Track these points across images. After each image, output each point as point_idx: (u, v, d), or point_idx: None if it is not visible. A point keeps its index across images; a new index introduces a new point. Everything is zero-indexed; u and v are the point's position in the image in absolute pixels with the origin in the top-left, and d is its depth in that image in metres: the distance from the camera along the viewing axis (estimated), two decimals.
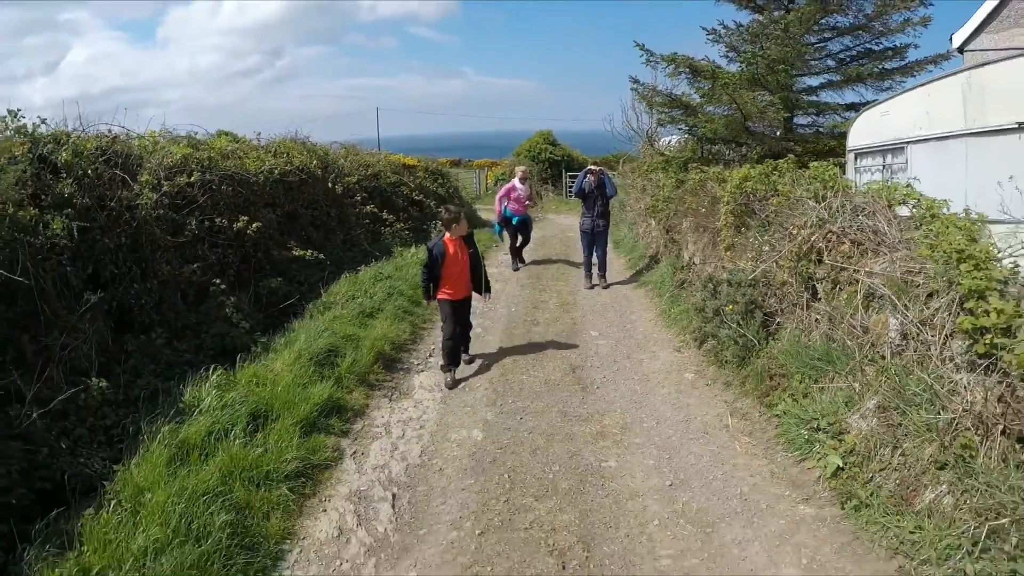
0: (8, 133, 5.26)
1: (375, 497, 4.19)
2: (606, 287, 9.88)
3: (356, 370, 5.87)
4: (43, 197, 5.01)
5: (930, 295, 4.08)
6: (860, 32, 11.23)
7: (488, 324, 7.97)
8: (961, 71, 6.58)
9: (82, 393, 4.40)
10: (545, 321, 8.13)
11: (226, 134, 10.19)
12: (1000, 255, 4.11)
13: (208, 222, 7.17)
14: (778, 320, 5.65)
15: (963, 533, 3.13)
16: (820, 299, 5.21)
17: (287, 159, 9.69)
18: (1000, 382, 3.40)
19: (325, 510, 4.02)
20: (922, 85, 7.24)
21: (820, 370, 4.71)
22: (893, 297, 4.30)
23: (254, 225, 7.55)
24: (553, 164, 28.73)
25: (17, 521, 3.34)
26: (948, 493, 3.36)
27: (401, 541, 3.74)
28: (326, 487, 4.28)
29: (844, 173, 8.07)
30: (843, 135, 9.20)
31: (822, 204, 5.50)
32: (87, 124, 6.20)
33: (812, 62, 11.70)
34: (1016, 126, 5.75)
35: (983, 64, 6.46)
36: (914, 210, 5.03)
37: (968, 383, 3.55)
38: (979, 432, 3.39)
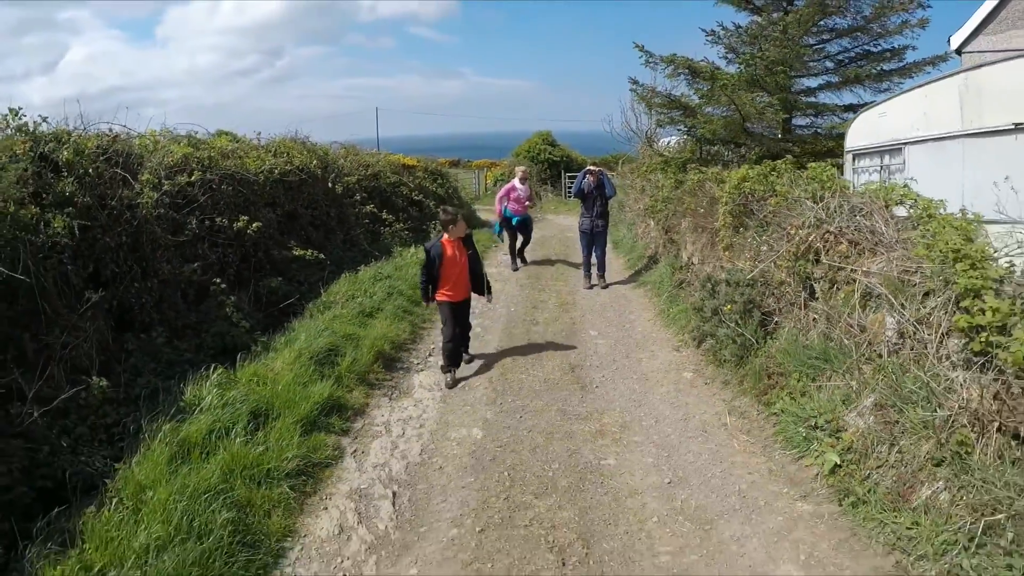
0: (9, 132, 5.27)
1: (376, 495, 4.21)
2: (605, 287, 9.91)
3: (356, 369, 5.89)
4: (44, 195, 5.02)
5: (926, 294, 4.11)
6: (858, 34, 11.28)
7: (487, 324, 7.99)
8: (958, 73, 6.62)
9: (83, 392, 4.41)
10: (544, 321, 8.15)
11: (225, 134, 10.21)
12: (996, 254, 4.14)
13: (208, 221, 7.19)
14: (776, 319, 5.68)
15: (959, 529, 3.16)
16: (818, 298, 5.24)
17: (287, 159, 9.70)
18: (996, 380, 3.43)
19: (326, 508, 4.04)
20: (919, 86, 7.27)
21: (818, 369, 4.74)
22: (890, 296, 4.33)
23: (254, 225, 7.57)
24: (552, 165, 28.76)
25: (18, 519, 3.35)
26: (945, 489, 3.39)
27: (402, 539, 3.76)
28: (327, 485, 4.30)
29: (842, 174, 8.11)
30: (841, 136, 9.23)
31: (820, 204, 5.52)
32: (88, 123, 6.22)
33: (811, 63, 11.75)
34: (1012, 127, 5.78)
35: (980, 66, 6.50)
36: (911, 210, 5.05)
37: (964, 381, 3.58)
38: (975, 429, 3.43)
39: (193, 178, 7.14)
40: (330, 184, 11.30)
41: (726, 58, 12.08)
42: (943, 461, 3.46)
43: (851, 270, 4.88)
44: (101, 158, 5.78)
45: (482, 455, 4.70)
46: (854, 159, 8.47)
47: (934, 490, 3.43)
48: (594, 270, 10.08)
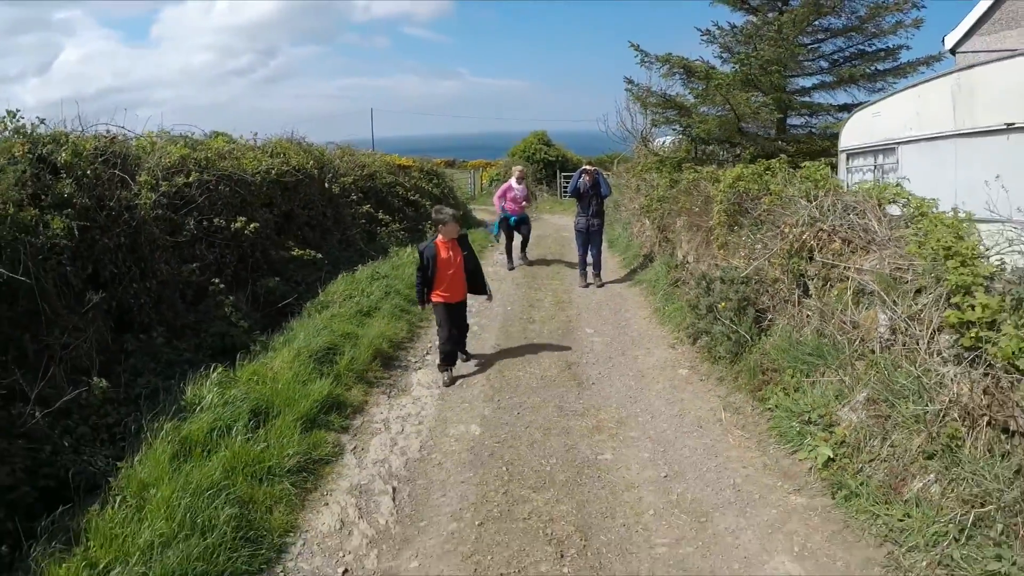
0: (7, 134, 5.29)
1: (376, 491, 4.25)
2: (601, 286, 9.95)
3: (355, 367, 5.93)
4: (43, 197, 5.03)
5: (918, 291, 4.16)
6: (853, 33, 11.32)
7: (484, 322, 8.04)
8: (951, 73, 6.68)
9: (84, 392, 4.43)
10: (541, 319, 8.20)
11: (221, 135, 10.23)
12: (987, 252, 4.19)
13: (206, 222, 7.22)
14: (770, 316, 5.74)
15: (950, 520, 3.21)
16: (811, 296, 5.30)
17: (284, 159, 9.71)
18: (985, 374, 3.48)
19: (327, 503, 4.08)
20: (913, 86, 7.33)
21: (811, 365, 4.80)
22: (882, 293, 4.38)
23: (252, 225, 7.59)
24: (548, 164, 28.79)
25: (22, 519, 3.38)
26: (936, 482, 3.44)
27: (402, 533, 3.80)
28: (327, 481, 4.34)
29: (836, 173, 8.17)
30: (835, 136, 9.29)
31: (814, 203, 5.57)
32: (85, 125, 6.24)
33: (805, 63, 11.79)
34: (1005, 127, 5.83)
35: (972, 66, 6.55)
36: (904, 209, 5.11)
37: (955, 376, 3.63)
38: (965, 423, 3.47)
39: (190, 179, 7.16)
40: (326, 184, 11.33)
41: (721, 58, 12.14)
42: (934, 454, 3.52)
43: (844, 267, 4.93)
44: (99, 159, 5.79)
45: (480, 451, 4.75)
46: (848, 158, 8.53)
47: (925, 483, 3.48)
48: (590, 269, 10.13)
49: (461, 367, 6.47)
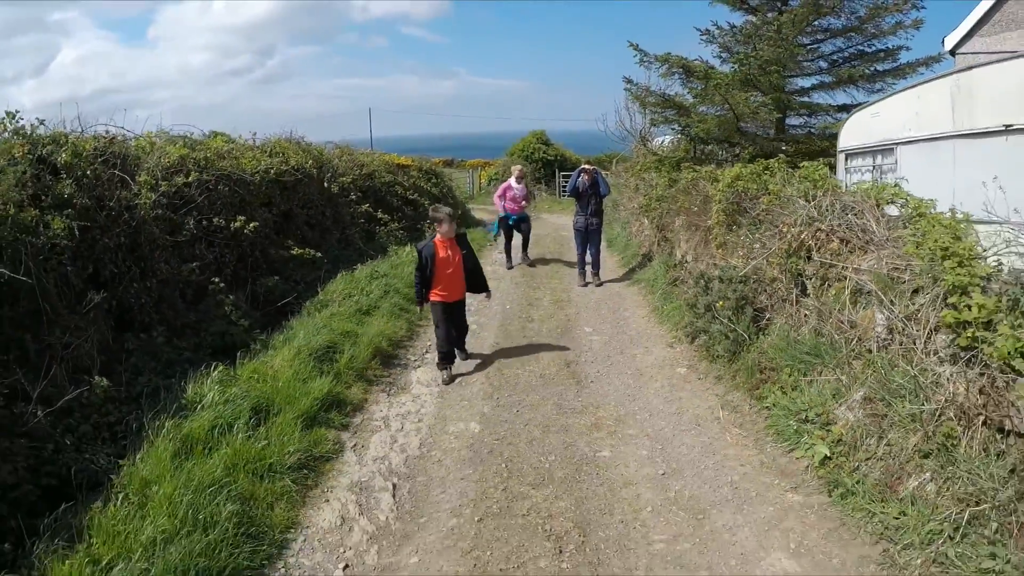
0: (7, 135, 5.30)
1: (376, 487, 4.29)
2: (599, 285, 9.98)
3: (354, 366, 5.96)
4: (43, 198, 5.05)
5: (915, 291, 4.18)
6: (852, 34, 11.31)
7: (483, 321, 8.07)
8: (950, 74, 6.70)
9: (86, 391, 4.45)
10: (540, 318, 8.23)
11: (220, 135, 10.24)
12: (985, 253, 4.22)
13: (205, 222, 7.24)
14: (768, 316, 5.77)
15: (945, 519, 3.24)
16: (809, 295, 5.32)
17: (283, 159, 9.73)
18: (981, 374, 3.50)
19: (328, 500, 4.11)
20: (912, 87, 7.35)
21: (809, 364, 4.83)
22: (880, 293, 4.41)
23: (251, 224, 7.62)
24: (546, 164, 28.81)
25: (24, 516, 3.40)
26: (931, 481, 3.47)
27: (402, 528, 3.84)
28: (328, 478, 4.37)
29: (834, 173, 8.20)
30: (834, 136, 9.30)
31: (812, 203, 5.60)
32: (85, 125, 6.26)
33: (804, 63, 11.80)
34: (1003, 128, 5.86)
35: (971, 67, 6.57)
36: (902, 209, 5.13)
37: (951, 375, 3.65)
38: (961, 422, 3.50)
39: (190, 179, 7.19)
40: (325, 184, 11.35)
41: (720, 57, 12.13)
42: (930, 453, 3.55)
43: (842, 267, 4.96)
44: (99, 160, 5.81)
45: (480, 448, 4.78)
46: (847, 159, 8.55)
47: (921, 481, 3.51)
48: (588, 268, 10.14)
49: (460, 365, 6.50)
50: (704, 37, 12.19)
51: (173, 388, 4.91)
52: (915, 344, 3.98)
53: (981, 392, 3.47)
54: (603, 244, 10.91)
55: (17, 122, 5.35)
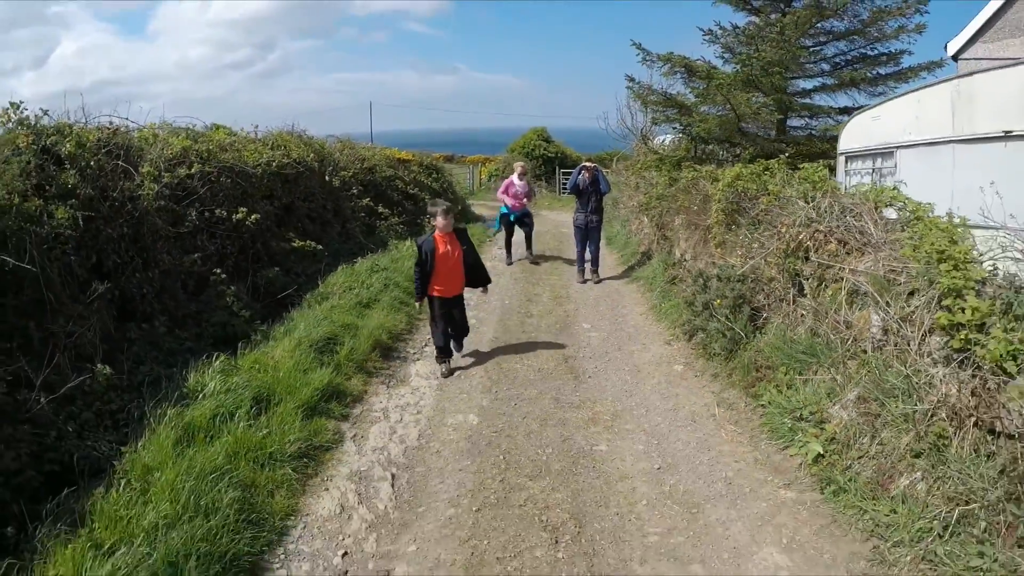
0: (11, 125, 5.33)
1: (375, 477, 4.34)
2: (598, 282, 10.01)
3: (354, 358, 6.00)
4: (47, 187, 5.09)
5: (911, 293, 4.23)
6: (855, 37, 11.30)
7: (483, 316, 8.11)
8: (951, 79, 6.72)
9: (88, 379, 4.50)
10: (538, 313, 8.27)
11: (221, 128, 10.27)
12: (981, 257, 4.26)
13: (207, 213, 7.29)
14: (765, 315, 5.81)
15: (935, 517, 3.29)
16: (806, 295, 5.37)
17: (284, 152, 9.77)
18: (973, 376, 3.54)
19: (327, 489, 4.17)
20: (913, 91, 7.37)
21: (804, 363, 4.88)
22: (876, 294, 4.45)
23: (253, 216, 7.66)
24: (547, 161, 28.82)
25: (27, 502, 3.45)
26: (922, 480, 3.52)
27: (401, 518, 3.89)
28: (328, 467, 4.43)
29: (834, 175, 8.23)
30: (835, 138, 9.32)
31: (811, 204, 5.64)
32: (88, 116, 6.29)
33: (807, 65, 11.78)
34: (1002, 134, 5.89)
35: (973, 73, 6.60)
36: (900, 212, 5.17)
37: (944, 376, 3.70)
38: (953, 423, 3.54)
39: (192, 170, 7.23)
40: (327, 177, 11.38)
41: (723, 58, 12.11)
42: (921, 453, 3.60)
43: (839, 268, 5.00)
44: (102, 151, 5.85)
45: (478, 440, 4.84)
46: (847, 161, 8.57)
47: (912, 480, 3.56)
48: (588, 265, 10.17)
49: (459, 359, 6.53)
50: (707, 37, 12.19)
51: (175, 377, 4.96)
52: (909, 345, 4.03)
53: (973, 393, 3.51)
54: (603, 241, 10.93)
55: (21, 112, 5.38)
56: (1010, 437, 3.29)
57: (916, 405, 3.73)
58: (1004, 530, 3.09)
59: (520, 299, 9.01)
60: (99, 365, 4.67)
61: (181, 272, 6.42)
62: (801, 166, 6.45)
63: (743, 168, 7.28)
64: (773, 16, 11.44)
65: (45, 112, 5.60)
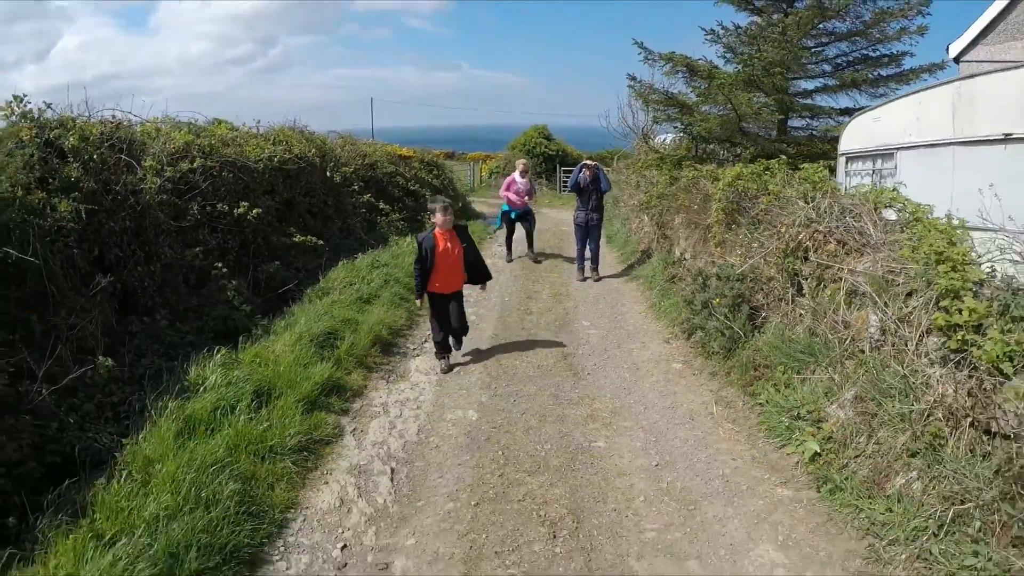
0: (14, 118, 5.34)
1: (375, 471, 4.36)
2: (598, 280, 10.04)
3: (355, 353, 6.03)
4: (50, 181, 5.10)
5: (909, 294, 4.25)
6: (857, 38, 11.32)
7: (483, 312, 8.14)
8: (952, 81, 6.74)
9: (90, 371, 4.51)
10: (538, 310, 8.30)
11: (223, 123, 10.27)
12: (980, 259, 4.28)
13: (209, 207, 7.30)
14: (764, 314, 5.84)
15: (930, 516, 3.31)
16: (805, 295, 5.39)
17: (286, 147, 9.77)
18: (970, 376, 3.56)
19: (327, 482, 4.19)
20: (914, 93, 7.39)
21: (802, 362, 4.91)
22: (874, 295, 4.47)
23: (254, 211, 7.67)
24: (548, 159, 28.85)
25: (28, 493, 3.46)
26: (918, 479, 3.54)
27: (400, 511, 3.91)
28: (327, 461, 4.45)
29: (834, 176, 8.25)
30: (835, 139, 9.33)
31: (811, 204, 5.66)
32: (92, 110, 6.29)
33: (808, 66, 11.80)
34: (1002, 136, 5.91)
35: (974, 75, 6.62)
36: (899, 213, 5.19)
37: (940, 377, 3.72)
38: (949, 423, 3.56)
39: (194, 165, 7.25)
40: (328, 173, 11.39)
41: (724, 58, 12.12)
42: (918, 452, 3.62)
43: (838, 268, 5.02)
44: (105, 144, 5.86)
45: (477, 435, 4.86)
46: (847, 162, 8.59)
47: (908, 479, 3.58)
48: (587, 263, 10.20)
49: (458, 355, 6.55)
50: (709, 37, 12.21)
51: (175, 370, 4.98)
52: (907, 345, 4.05)
53: (969, 394, 3.53)
54: (603, 240, 10.96)
55: (25, 106, 5.38)
56: (1006, 437, 3.30)
57: (913, 405, 3.75)
58: (999, 530, 3.10)
59: (520, 296, 9.04)
60: (101, 357, 4.69)
61: (182, 266, 6.44)
62: (801, 166, 6.46)
63: (743, 168, 7.30)
64: (775, 16, 11.46)
65: (48, 105, 5.60)
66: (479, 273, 6.50)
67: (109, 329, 5.18)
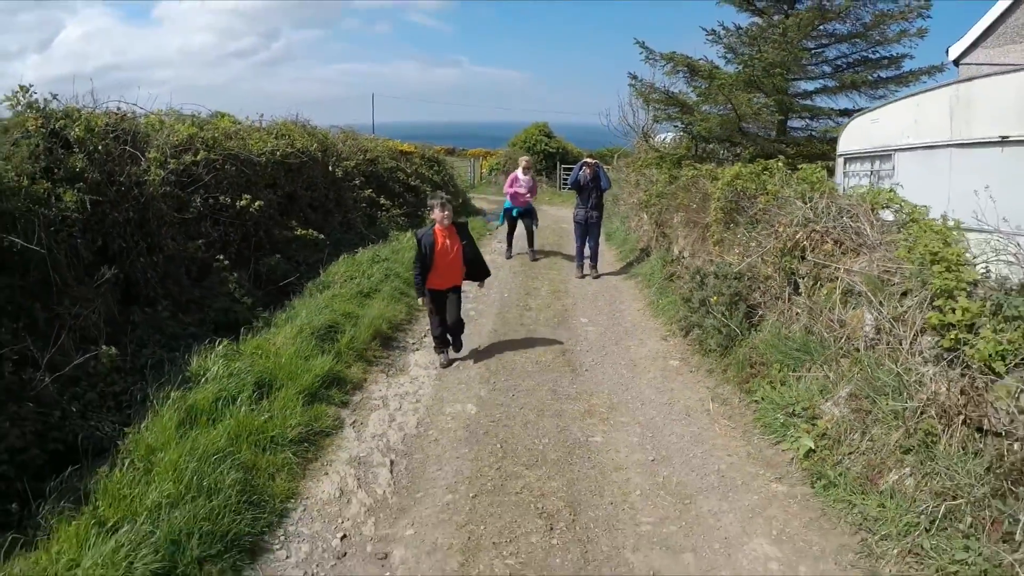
0: (19, 108, 5.36)
1: (374, 463, 4.42)
2: (597, 277, 10.08)
3: (355, 346, 6.07)
4: (56, 171, 5.13)
5: (904, 293, 4.28)
6: (857, 40, 11.30)
7: (482, 308, 8.19)
8: (950, 84, 6.76)
9: (92, 360, 4.55)
10: (537, 307, 8.35)
11: (225, 116, 10.30)
12: (975, 260, 4.32)
13: (212, 200, 7.34)
14: (761, 312, 5.88)
15: (922, 512, 3.36)
16: (801, 294, 5.43)
17: (289, 141, 9.81)
18: (963, 375, 3.60)
19: (327, 473, 4.24)
20: (912, 95, 7.40)
21: (798, 360, 4.95)
22: (870, 294, 4.51)
23: (256, 203, 7.71)
24: (548, 156, 28.80)
25: (30, 480, 3.50)
26: (910, 475, 3.59)
27: (399, 503, 3.97)
28: (327, 452, 4.50)
29: (832, 176, 8.28)
30: (834, 140, 9.33)
31: (808, 204, 5.69)
32: (97, 101, 6.32)
33: (808, 67, 11.78)
34: (999, 139, 5.94)
35: (972, 78, 6.64)
36: (896, 214, 5.22)
37: (934, 375, 3.76)
38: (942, 420, 3.60)
39: (198, 157, 7.28)
40: (330, 168, 11.41)
41: (725, 58, 12.10)
42: (910, 449, 3.66)
43: (835, 268, 5.06)
44: (110, 136, 5.89)
45: (476, 429, 4.91)
46: (845, 163, 8.61)
47: (901, 476, 3.63)
48: (587, 261, 10.24)
49: (458, 356, 6.54)
50: (710, 37, 12.21)
51: (177, 361, 5.03)
52: (901, 344, 4.09)
53: (962, 392, 3.57)
54: (602, 237, 10.98)
55: (30, 96, 5.40)
56: (997, 435, 3.34)
57: (906, 403, 3.79)
58: (989, 525, 3.15)
59: (519, 293, 9.08)
60: (104, 346, 4.72)
61: (185, 257, 6.48)
62: (800, 167, 6.49)
63: (742, 167, 7.33)
64: (776, 17, 11.46)
65: (54, 96, 5.63)
66: (478, 270, 6.49)
67: (111, 319, 5.21)
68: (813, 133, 12.01)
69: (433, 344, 6.46)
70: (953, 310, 3.71)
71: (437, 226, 6.12)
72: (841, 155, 8.65)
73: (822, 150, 10.65)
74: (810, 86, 12.09)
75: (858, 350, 4.49)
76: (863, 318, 4.57)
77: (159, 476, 3.57)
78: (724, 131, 11.37)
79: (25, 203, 4.59)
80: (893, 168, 7.44)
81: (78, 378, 4.42)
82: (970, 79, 6.63)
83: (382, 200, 12.93)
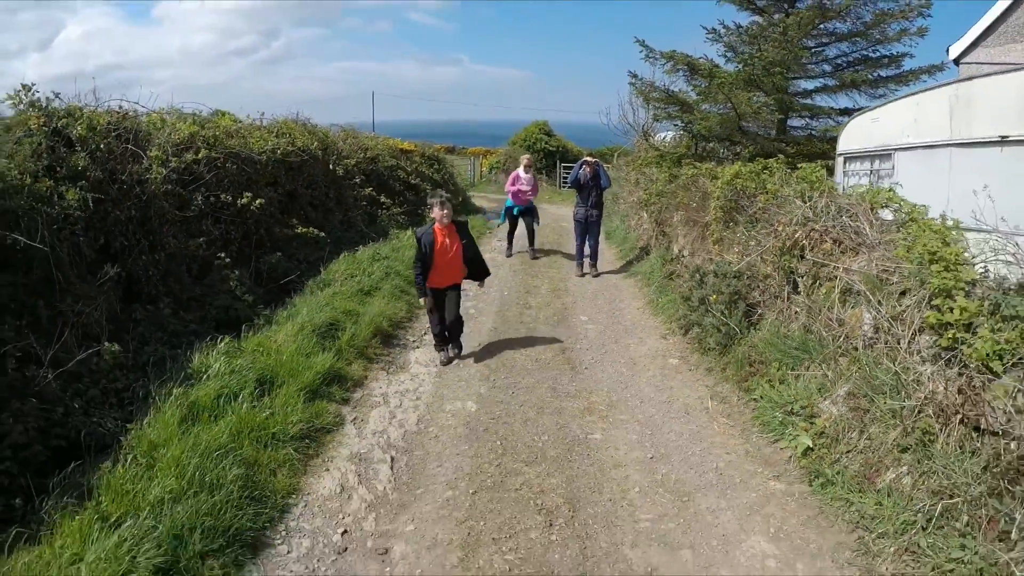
0: (22, 107, 5.38)
1: (375, 459, 4.44)
2: (596, 275, 10.10)
3: (355, 344, 6.10)
4: (58, 169, 5.15)
5: (903, 293, 4.30)
6: (857, 39, 11.29)
7: (482, 306, 8.21)
8: (950, 83, 6.77)
9: (95, 356, 4.58)
10: (537, 305, 8.37)
11: (226, 114, 10.30)
12: (973, 260, 4.33)
13: (213, 198, 7.36)
14: (760, 311, 5.91)
15: (919, 511, 3.38)
16: (800, 292, 5.45)
17: (289, 140, 9.82)
18: (960, 374, 3.62)
19: (328, 469, 4.27)
20: (912, 95, 7.40)
21: (797, 359, 4.98)
22: (868, 293, 4.53)
23: (257, 201, 7.73)
24: (548, 154, 28.78)
25: (33, 476, 3.53)
26: (908, 474, 3.61)
27: (399, 499, 3.99)
28: (328, 449, 4.53)
29: (832, 176, 8.29)
30: (834, 139, 9.33)
31: (808, 204, 5.71)
32: (99, 100, 6.33)
33: (808, 66, 11.77)
34: (999, 139, 5.95)
35: (972, 78, 6.64)
36: (895, 214, 5.24)
37: (931, 374, 3.77)
38: (939, 419, 3.62)
39: (199, 156, 7.30)
40: (330, 166, 11.43)
41: (725, 56, 12.08)
42: (908, 448, 3.68)
43: (834, 267, 5.07)
44: (112, 134, 5.91)
45: (476, 426, 4.94)
46: (845, 162, 8.61)
47: (898, 474, 3.65)
48: (587, 259, 10.25)
49: (457, 356, 6.52)
50: (710, 36, 12.20)
51: (179, 358, 5.05)
52: (899, 343, 4.11)
53: (959, 391, 3.58)
54: (602, 236, 10.99)
55: (33, 95, 5.42)
56: (994, 434, 3.36)
57: (904, 401, 3.81)
58: (985, 524, 3.16)
59: (519, 291, 9.10)
60: (107, 343, 4.74)
61: (186, 255, 6.50)
62: (800, 166, 6.50)
63: (742, 166, 7.34)
64: (776, 16, 11.46)
65: (57, 95, 5.64)
66: (477, 269, 6.49)
67: (114, 316, 5.24)
68: (813, 132, 12.01)
69: (433, 342, 6.48)
70: (951, 309, 3.73)
71: (437, 224, 6.12)
72: (841, 154, 8.65)
73: (822, 149, 10.64)
74: (810, 85, 12.09)
75: (856, 349, 4.51)
76: (862, 317, 4.59)
77: (162, 472, 3.60)
78: (724, 130, 11.37)
79: (28, 201, 4.61)
80: (893, 167, 7.45)
81: (81, 375, 4.44)
82: (970, 78, 6.63)
83: (382, 198, 12.95)
